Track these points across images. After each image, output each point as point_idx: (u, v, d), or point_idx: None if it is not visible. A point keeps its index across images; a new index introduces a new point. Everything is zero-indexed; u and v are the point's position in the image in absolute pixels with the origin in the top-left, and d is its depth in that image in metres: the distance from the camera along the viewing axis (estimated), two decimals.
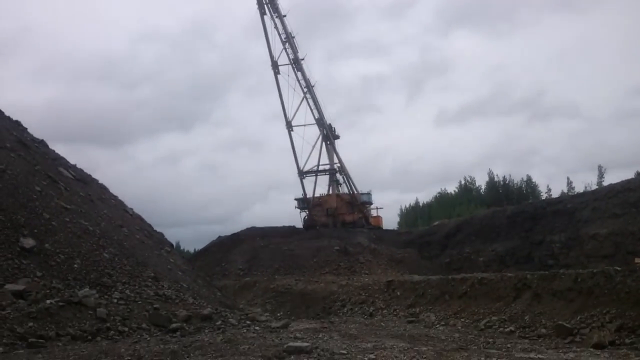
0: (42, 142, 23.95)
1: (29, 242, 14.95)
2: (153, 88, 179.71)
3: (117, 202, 25.02)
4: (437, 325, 18.51)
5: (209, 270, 35.60)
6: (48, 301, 12.77)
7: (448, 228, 44.63)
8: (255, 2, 48.34)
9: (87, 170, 25.77)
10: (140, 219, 25.63)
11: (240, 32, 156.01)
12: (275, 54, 49.72)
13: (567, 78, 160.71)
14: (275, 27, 48.81)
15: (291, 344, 10.80)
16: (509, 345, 12.64)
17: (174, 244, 39.32)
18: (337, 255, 39.53)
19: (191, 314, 15.64)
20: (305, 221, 50.86)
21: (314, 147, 52.02)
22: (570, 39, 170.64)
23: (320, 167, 52.81)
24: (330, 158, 53.06)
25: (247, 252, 41.44)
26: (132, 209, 25.91)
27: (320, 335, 14.19)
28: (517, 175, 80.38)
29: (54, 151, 24.29)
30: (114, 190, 26.21)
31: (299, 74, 50.17)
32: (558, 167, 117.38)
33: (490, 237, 39.55)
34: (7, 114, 24.03)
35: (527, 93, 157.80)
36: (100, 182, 25.99)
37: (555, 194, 64.18)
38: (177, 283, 19.05)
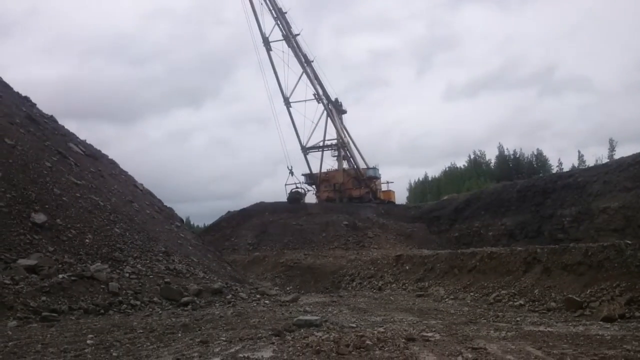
0: (51, 118, 23.99)
1: (40, 218, 15.06)
2: (163, 64, 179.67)
3: (127, 178, 25.13)
4: (446, 299, 18.55)
5: (218, 245, 35.84)
6: (60, 276, 12.90)
7: (457, 202, 44.54)
8: None
9: (98, 146, 25.89)
10: (150, 194, 25.76)
11: (249, 8, 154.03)
12: (268, 31, 49.18)
13: (578, 51, 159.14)
14: (265, 3, 48.09)
15: (301, 317, 10.87)
16: (518, 319, 12.66)
17: (184, 219, 39.62)
18: (345, 229, 39.63)
19: (202, 288, 15.78)
20: (289, 195, 50.43)
21: (317, 123, 51.81)
22: (581, 13, 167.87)
23: (325, 143, 52.68)
24: (338, 133, 52.84)
25: (256, 227, 41.65)
26: (142, 184, 26.03)
27: (329, 309, 14.30)
28: (527, 150, 79.81)
29: (63, 127, 24.34)
30: (124, 166, 26.35)
31: (295, 49, 49.71)
32: (569, 141, 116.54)
33: (500, 211, 39.45)
34: (17, 90, 24.09)
35: (537, 67, 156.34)
36: (110, 157, 26.08)
37: (566, 167, 63.81)
38: (188, 257, 19.21)
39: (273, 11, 48.52)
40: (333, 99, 52.93)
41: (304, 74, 49.92)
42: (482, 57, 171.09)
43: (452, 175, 77.68)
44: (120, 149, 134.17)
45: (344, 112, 54.62)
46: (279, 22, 48.77)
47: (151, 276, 15.41)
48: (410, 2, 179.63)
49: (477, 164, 76.85)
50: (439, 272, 21.97)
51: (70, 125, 25.28)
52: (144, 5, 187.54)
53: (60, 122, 24.67)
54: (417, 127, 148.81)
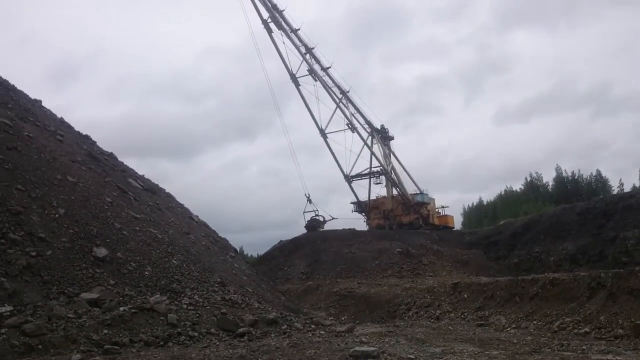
0: (111, 155, 24.95)
1: (102, 252, 15.55)
2: (217, 100, 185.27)
3: (183, 210, 25.73)
4: (508, 329, 17.93)
5: (272, 275, 36.00)
6: (121, 308, 13.20)
7: (515, 227, 43.34)
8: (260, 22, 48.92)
9: (156, 181, 26.74)
10: (205, 225, 26.26)
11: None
12: (295, 67, 50.14)
13: (632, 69, 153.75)
14: (292, 41, 49.17)
15: (357, 348, 10.71)
16: (584, 347, 12.10)
17: (238, 249, 40.06)
18: (399, 257, 39.10)
19: (257, 319, 15.82)
20: (307, 222, 50.53)
21: (360, 152, 52.09)
22: (632, 30, 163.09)
23: (370, 169, 52.71)
24: (385, 158, 52.80)
25: (308, 256, 41.65)
26: (197, 216, 26.59)
27: (386, 340, 14.04)
28: (585, 171, 77.33)
29: (122, 163, 25.27)
30: (180, 198, 27.06)
31: (329, 81, 50.53)
32: (628, 161, 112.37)
33: (560, 235, 38.11)
34: (82, 130, 25.33)
35: (590, 87, 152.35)
36: (167, 191, 26.83)
37: (627, 188, 61.27)
38: (243, 288, 19.36)
39: (301, 47, 49.50)
40: (379, 126, 53.14)
41: (340, 103, 50.65)
42: (533, 80, 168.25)
43: (508, 199, 75.65)
44: (177, 183, 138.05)
45: (391, 138, 54.61)
46: (306, 58, 49.71)
47: (208, 307, 15.58)
48: (457, 29, 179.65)
49: (534, 187, 74.61)
50: (499, 300, 21.30)
51: (130, 162, 26.44)
52: (198, 45, 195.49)
53: (121, 159, 25.68)
54: (469, 152, 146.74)
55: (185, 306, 15.03)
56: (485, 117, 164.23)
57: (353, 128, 50.78)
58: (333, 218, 51.94)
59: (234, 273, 21.08)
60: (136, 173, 25.16)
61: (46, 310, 12.27)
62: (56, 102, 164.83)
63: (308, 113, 51.12)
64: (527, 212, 57.28)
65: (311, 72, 49.73)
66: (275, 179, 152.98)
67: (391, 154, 54.05)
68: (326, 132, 51.22)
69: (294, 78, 49.99)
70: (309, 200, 50.97)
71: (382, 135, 53.39)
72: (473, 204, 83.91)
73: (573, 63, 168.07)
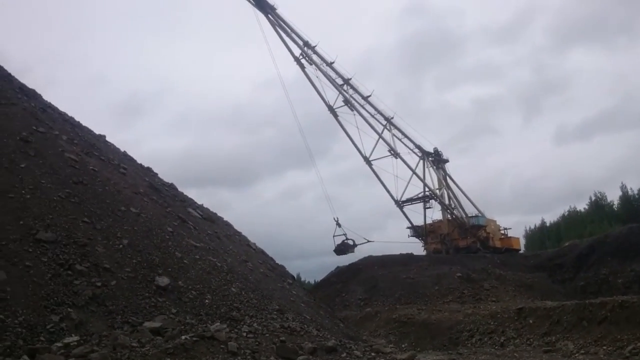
0: (171, 186, 25.68)
1: (164, 281, 15.88)
2: (275, 130, 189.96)
3: (241, 238, 26.08)
4: (577, 355, 17.16)
5: (329, 301, 35.84)
6: (183, 337, 13.39)
7: (580, 249, 41.79)
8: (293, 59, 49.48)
9: (215, 210, 27.31)
10: (262, 252, 26.49)
11: (351, 70, 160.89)
12: (332, 99, 50.51)
13: None
14: (324, 75, 49.43)
15: None
16: None
17: (295, 275, 40.16)
18: (459, 282, 38.25)
19: (316, 346, 15.69)
20: (337, 246, 50.20)
21: (411, 177, 51.82)
22: None
23: (421, 193, 52.26)
24: (440, 182, 52.22)
25: (366, 282, 41.30)
26: (254, 243, 26.88)
27: None
28: None
29: (182, 193, 25.94)
30: (238, 226, 27.48)
31: (370, 109, 50.51)
32: None
33: (628, 256, 36.44)
34: (146, 163, 26.26)
35: None
36: (225, 220, 27.31)
37: None
38: (301, 315, 19.30)
39: (337, 79, 49.82)
40: (431, 150, 52.72)
41: (383, 131, 50.61)
42: (592, 98, 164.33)
43: (572, 220, 73.09)
44: (236, 211, 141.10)
45: (446, 161, 54.06)
46: (344, 89, 49.93)
47: (267, 335, 15.59)
48: (513, 50, 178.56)
49: (598, 207, 71.78)
50: (566, 325, 20.45)
51: (191, 192, 27.14)
52: (256, 78, 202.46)
53: (182, 189, 26.42)
54: (530, 173, 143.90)
55: (244, 334, 15.09)
56: (545, 137, 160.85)
57: (396, 154, 50.63)
58: (368, 241, 51.65)
59: (292, 300, 21.09)
60: (195, 202, 25.76)
61: (111, 339, 12.59)
62: (123, 137, 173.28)
63: (353, 142, 51.47)
64: (592, 232, 55.26)
65: (347, 102, 50.02)
66: (332, 204, 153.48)
67: (446, 177, 53.37)
68: (371, 159, 51.27)
69: (332, 110, 50.42)
70: (338, 224, 51.03)
71: (436, 159, 52.85)
72: (535, 225, 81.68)
73: (635, 79, 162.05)
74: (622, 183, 78.54)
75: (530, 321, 22.86)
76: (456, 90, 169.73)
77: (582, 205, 77.22)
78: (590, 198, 74.37)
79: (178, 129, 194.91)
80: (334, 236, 50.94)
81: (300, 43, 49.05)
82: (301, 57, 49.26)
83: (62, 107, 24.60)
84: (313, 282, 67.12)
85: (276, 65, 54.36)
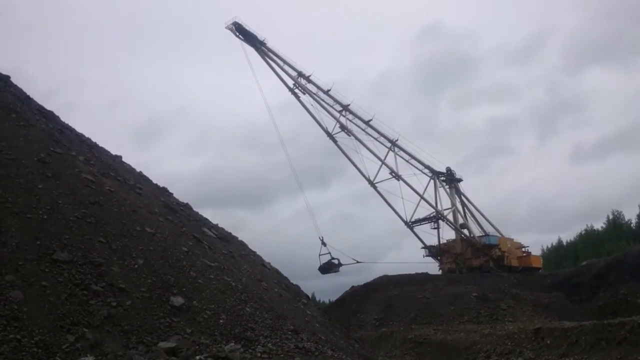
0: (186, 206, 25.82)
1: (178, 301, 15.88)
2: (292, 150, 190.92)
3: (255, 258, 26.07)
4: None
5: (344, 321, 35.54)
6: (197, 357, 13.36)
7: (598, 268, 41.18)
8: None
9: (231, 230, 27.42)
10: (277, 272, 26.43)
11: (368, 91, 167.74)
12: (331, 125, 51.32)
13: None
14: (319, 103, 50.11)
15: None
16: None
17: (310, 295, 39.99)
18: (475, 302, 37.77)
19: None
20: (323, 264, 50.80)
21: (420, 201, 51.73)
22: None
23: (431, 214, 52.11)
24: (453, 201, 52.11)
25: (381, 302, 40.96)
26: (269, 263, 26.84)
27: None
28: None
29: (197, 213, 26.07)
30: (254, 245, 27.51)
31: (373, 133, 50.88)
32: None
33: None
34: (163, 184, 26.52)
35: None
36: (240, 239, 27.35)
37: None
38: (316, 335, 19.17)
39: (335, 106, 50.35)
40: (444, 169, 52.71)
41: (387, 153, 50.91)
42: (609, 118, 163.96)
43: (589, 239, 72.16)
44: (252, 231, 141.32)
45: (459, 180, 53.86)
46: (342, 114, 50.40)
47: (282, 355, 15.50)
48: (528, 71, 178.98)
49: (616, 226, 70.86)
50: (584, 345, 20.09)
51: (207, 212, 27.39)
52: (273, 100, 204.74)
53: (198, 209, 26.59)
54: (546, 192, 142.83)
55: (259, 354, 15.02)
56: (561, 156, 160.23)
57: (398, 177, 50.79)
58: (357, 262, 51.74)
59: (307, 320, 20.97)
60: (210, 222, 25.86)
61: (126, 359, 12.59)
62: (141, 158, 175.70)
63: (355, 166, 51.92)
64: (610, 251, 54.51)
65: (343, 128, 50.56)
66: (346, 224, 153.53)
67: (460, 196, 53.17)
68: (375, 182, 51.70)
69: (330, 136, 51.04)
70: (323, 243, 51.49)
71: (448, 178, 52.77)
72: (552, 244, 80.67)
73: None
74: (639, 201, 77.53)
75: (548, 342, 22.48)
76: (472, 110, 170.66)
77: (599, 224, 76.35)
78: (608, 217, 73.56)
79: (194, 150, 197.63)
80: (319, 255, 51.69)
81: (294, 74, 49.98)
82: (295, 87, 50.02)
83: (84, 130, 25.05)
84: (328, 302, 66.66)
85: (264, 96, 56.03)
